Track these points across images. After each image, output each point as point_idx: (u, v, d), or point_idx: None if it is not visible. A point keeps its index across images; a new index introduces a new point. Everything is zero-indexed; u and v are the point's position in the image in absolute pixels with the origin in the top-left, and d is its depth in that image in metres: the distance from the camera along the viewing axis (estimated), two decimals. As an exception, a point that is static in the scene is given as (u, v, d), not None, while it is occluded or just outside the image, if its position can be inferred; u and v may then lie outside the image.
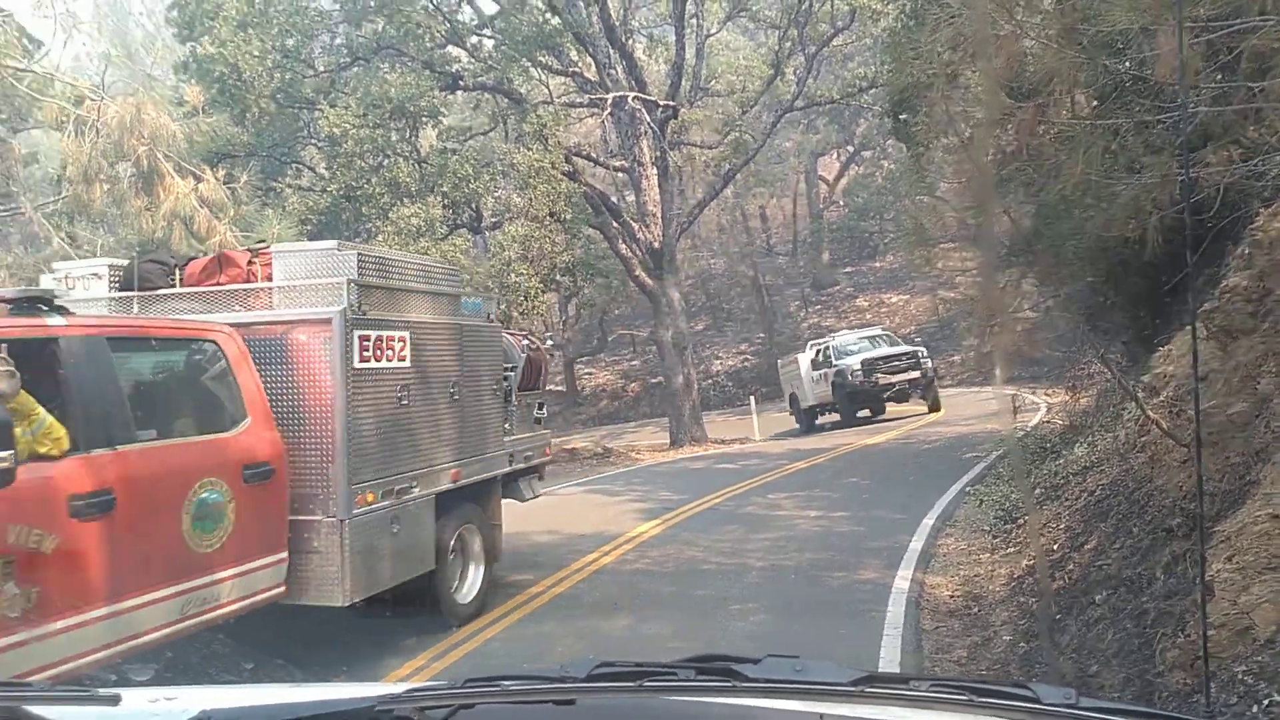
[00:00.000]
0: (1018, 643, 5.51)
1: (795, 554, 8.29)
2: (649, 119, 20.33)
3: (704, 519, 10.45)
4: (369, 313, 5.63)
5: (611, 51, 20.39)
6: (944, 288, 25.35)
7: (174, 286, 5.94)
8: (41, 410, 3.99)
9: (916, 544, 8.27)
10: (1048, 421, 14.70)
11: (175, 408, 5.18)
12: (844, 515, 10.10)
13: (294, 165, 20.43)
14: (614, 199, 22.54)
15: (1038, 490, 9.20)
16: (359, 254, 5.71)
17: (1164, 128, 5.08)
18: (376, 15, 18.66)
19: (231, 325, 5.33)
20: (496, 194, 19.98)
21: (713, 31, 23.58)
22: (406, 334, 6.01)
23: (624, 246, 21.03)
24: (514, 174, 18.12)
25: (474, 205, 19.00)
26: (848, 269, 39.15)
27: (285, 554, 5.24)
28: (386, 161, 17.54)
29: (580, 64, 20.93)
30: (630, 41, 21.96)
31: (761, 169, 32.17)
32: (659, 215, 21.03)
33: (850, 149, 38.46)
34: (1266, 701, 2.93)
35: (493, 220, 20.49)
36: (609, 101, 19.73)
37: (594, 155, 24.12)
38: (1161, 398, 5.49)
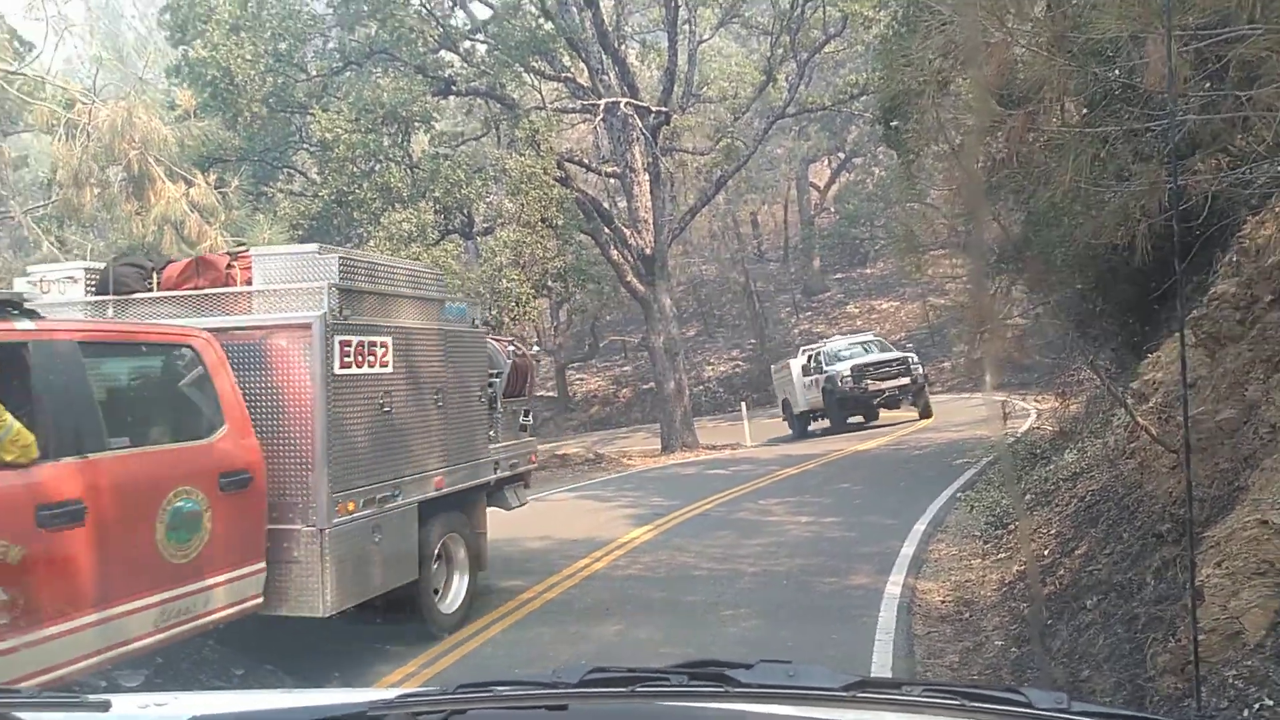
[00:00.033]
0: (1009, 648, 5.52)
1: (787, 559, 8.29)
2: (641, 125, 20.35)
3: (695, 524, 10.45)
4: (350, 318, 5.55)
5: (604, 57, 20.43)
6: (934, 294, 25.47)
7: (151, 290, 5.84)
8: (9, 417, 3.87)
9: (908, 549, 8.28)
10: (1038, 428, 14.75)
11: (150, 414, 5.08)
12: (835, 521, 10.11)
13: (286, 170, 20.40)
14: (606, 205, 22.56)
15: (1028, 496, 9.22)
16: (340, 258, 5.64)
17: (1153, 135, 5.11)
18: (369, 20, 18.66)
19: (209, 330, 5.24)
20: (488, 199, 19.97)
21: (705, 38, 23.64)
22: (389, 339, 5.92)
23: (616, 252, 21.04)
24: (506, 179, 18.11)
25: (466, 211, 18.99)
26: (838, 275, 39.23)
27: (263, 564, 5.13)
28: (378, 166, 17.52)
29: (573, 69, 20.96)
30: (623, 47, 22.01)
31: (753, 175, 32.35)
32: (651, 221, 21.05)
33: (841, 156, 38.56)
34: (1257, 705, 2.94)
35: (484, 226, 20.48)
36: (601, 107, 19.76)
37: (586, 161, 24.14)
38: (1150, 404, 5.51)
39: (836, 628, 6.16)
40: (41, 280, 5.96)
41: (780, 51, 21.81)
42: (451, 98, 20.87)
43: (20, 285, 5.96)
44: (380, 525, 5.74)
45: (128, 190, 13.96)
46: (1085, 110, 6.03)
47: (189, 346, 5.05)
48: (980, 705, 1.25)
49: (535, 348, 10.11)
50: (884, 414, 22.04)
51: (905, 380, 20.99)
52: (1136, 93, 5.00)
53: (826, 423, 22.19)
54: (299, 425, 5.30)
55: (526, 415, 8.39)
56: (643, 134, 20.47)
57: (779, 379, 24.86)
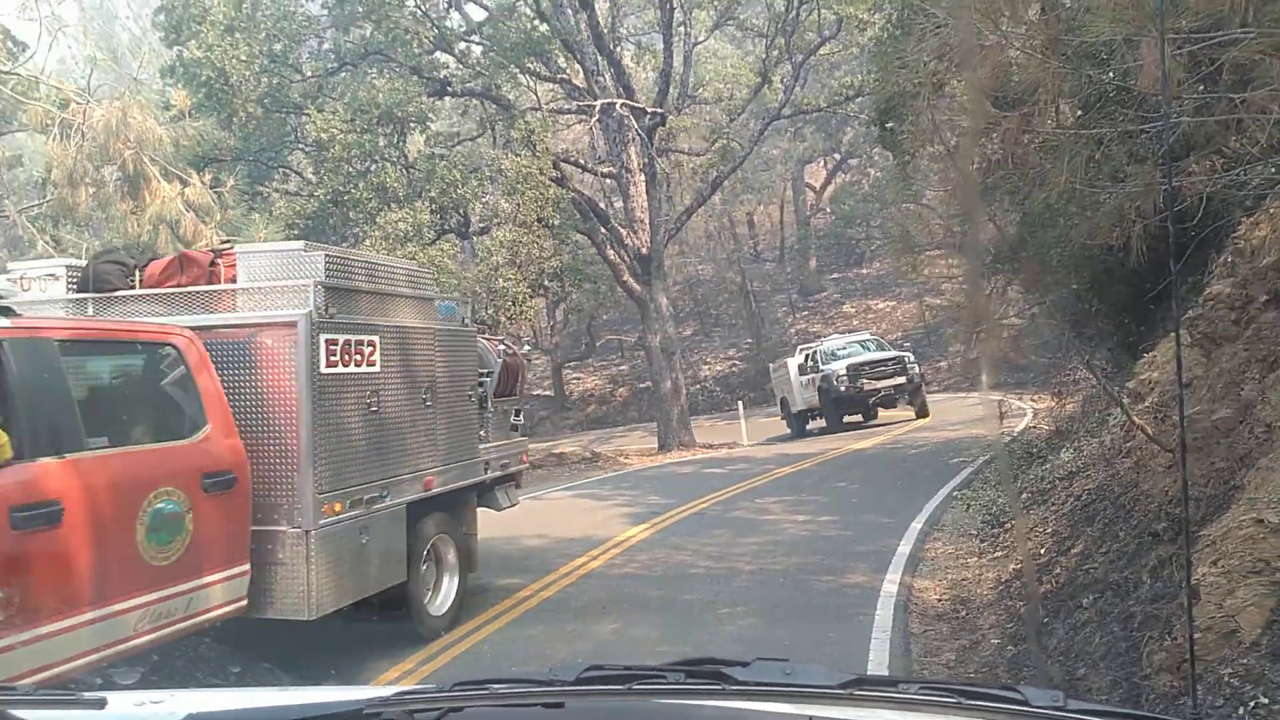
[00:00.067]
0: (1005, 646, 5.53)
1: (783, 558, 8.30)
2: (637, 126, 20.36)
3: (692, 523, 10.45)
4: (337, 316, 5.45)
5: (600, 58, 20.43)
6: (930, 294, 25.51)
7: (133, 288, 5.73)
8: None
9: (904, 548, 8.29)
10: (1034, 427, 14.77)
11: (130, 414, 4.96)
12: (832, 520, 10.12)
13: (281, 170, 20.38)
14: (602, 205, 22.56)
15: (1024, 495, 9.24)
16: (326, 255, 5.54)
17: (1147, 137, 5.12)
18: (364, 21, 18.65)
19: (192, 328, 5.14)
20: (484, 199, 19.97)
21: (700, 39, 23.66)
22: (377, 338, 5.82)
23: (612, 252, 21.04)
24: (502, 180, 18.11)
25: (462, 211, 18.98)
26: (834, 276, 39.28)
27: (247, 566, 5.04)
28: (374, 166, 17.51)
29: (568, 70, 20.97)
30: (618, 49, 22.01)
31: (749, 176, 32.36)
32: (647, 221, 21.05)
33: (837, 157, 38.61)
34: (1252, 704, 2.95)
35: (480, 226, 20.47)
36: (597, 108, 19.76)
37: (582, 161, 24.14)
38: (1146, 404, 5.53)
39: (833, 626, 6.17)
40: (22, 277, 5.85)
41: (775, 53, 21.83)
42: (447, 98, 20.86)
43: (1, 283, 5.77)
44: (368, 526, 5.66)
45: (123, 190, 13.94)
46: (1080, 112, 6.05)
47: (171, 345, 4.95)
48: (977, 703, 1.26)
49: (527, 347, 10.05)
50: (881, 413, 22.01)
51: (901, 379, 20.91)
52: (1131, 95, 5.01)
53: (824, 422, 22.16)
54: (284, 425, 5.21)
55: (518, 415, 8.29)
56: (638, 135, 20.48)
57: (777, 378, 24.81)
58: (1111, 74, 5.33)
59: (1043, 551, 6.86)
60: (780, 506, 11.26)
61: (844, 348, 22.49)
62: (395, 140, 18.03)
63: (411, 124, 18.04)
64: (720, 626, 6.31)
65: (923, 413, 21.28)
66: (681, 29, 21.94)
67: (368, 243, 16.13)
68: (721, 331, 38.10)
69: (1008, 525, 8.35)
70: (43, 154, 15.14)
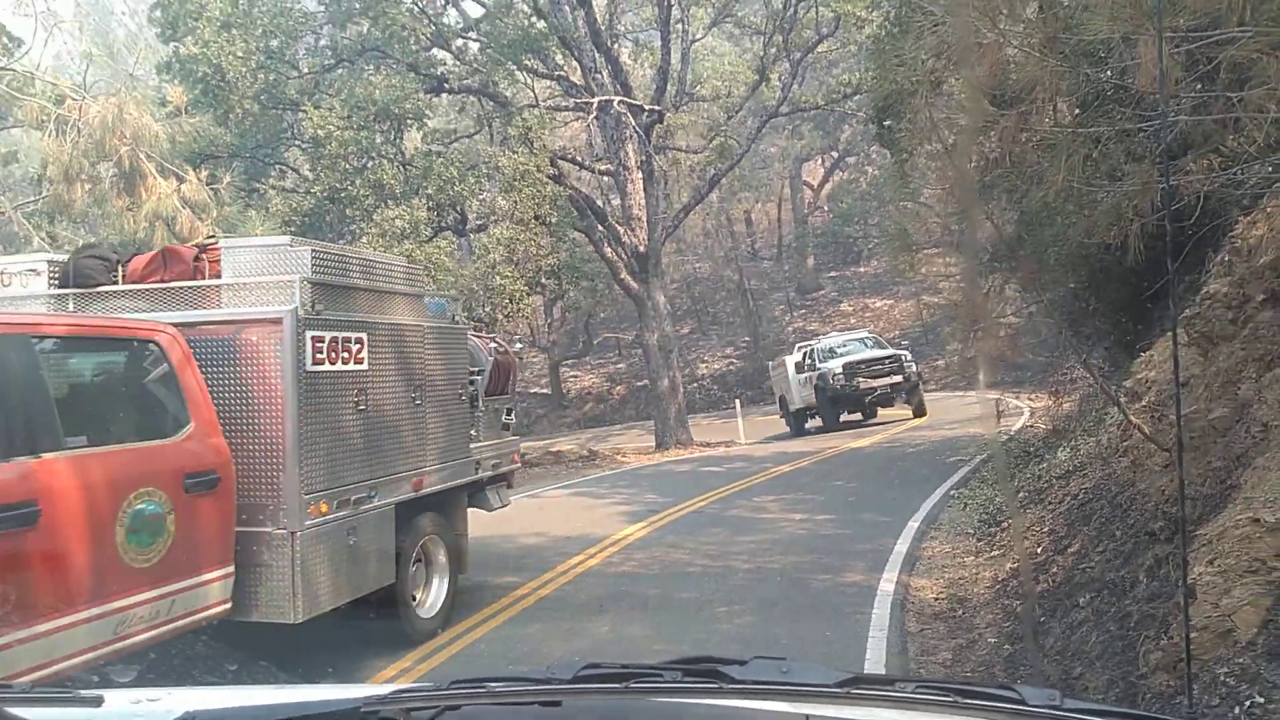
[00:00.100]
0: (1002, 645, 5.54)
1: (780, 557, 8.31)
2: (634, 123, 20.34)
3: (689, 522, 10.46)
4: (324, 312, 5.36)
5: (597, 56, 20.41)
6: (928, 293, 25.49)
7: (116, 283, 5.63)
8: None
9: (901, 547, 8.30)
10: (1031, 426, 14.79)
11: (110, 412, 4.85)
12: (829, 518, 10.13)
13: (278, 167, 20.35)
14: (599, 203, 22.55)
15: (1021, 494, 9.25)
16: (313, 251, 5.46)
17: (1145, 136, 5.12)
18: (361, 17, 18.62)
19: (175, 324, 5.03)
20: (481, 197, 19.97)
21: (698, 37, 23.65)
22: (365, 335, 5.72)
23: (609, 250, 21.03)
24: (499, 177, 18.10)
25: (459, 208, 18.96)
26: (832, 274, 39.29)
27: (231, 568, 4.94)
28: (371, 163, 17.50)
29: (566, 68, 20.94)
30: (616, 46, 21.99)
31: (746, 174, 32.36)
32: (644, 219, 21.05)
33: (834, 155, 38.62)
34: (1248, 703, 2.95)
35: (478, 223, 20.47)
36: (594, 105, 19.74)
37: (579, 159, 24.13)
38: (1143, 403, 5.53)
39: (830, 625, 6.18)
40: (2, 273, 5.76)
41: (773, 51, 21.83)
42: (444, 95, 20.83)
43: None
44: (355, 528, 5.56)
45: (119, 186, 13.93)
46: (1078, 111, 6.05)
47: (153, 342, 4.84)
48: (973, 702, 1.26)
49: (519, 344, 9.94)
50: (880, 412, 21.95)
51: (898, 378, 20.78)
52: (1128, 94, 5.02)
53: (821, 421, 22.11)
54: (269, 424, 5.10)
55: (509, 414, 8.20)
56: (636, 132, 20.46)
57: (776, 375, 24.73)
58: (1109, 72, 5.33)
59: (1039, 550, 6.87)
60: (777, 505, 11.26)
61: (842, 345, 22.41)
62: (392, 137, 18.01)
63: (408, 121, 18.02)
64: (717, 625, 6.32)
65: (920, 411, 21.19)
66: (679, 26, 21.93)
67: (364, 240, 16.13)
68: (719, 330, 38.10)
69: (1005, 524, 8.36)
70: (38, 150, 15.12)
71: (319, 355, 5.29)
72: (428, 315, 6.69)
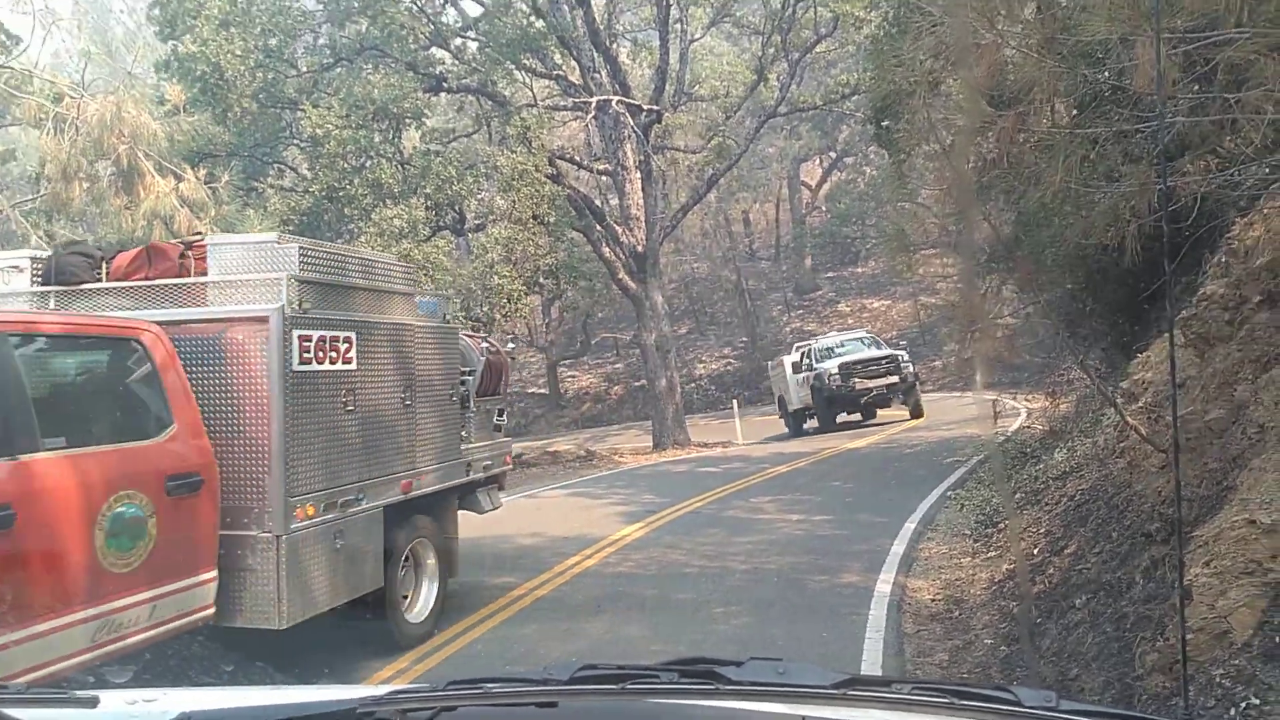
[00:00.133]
0: (998, 646, 5.54)
1: (777, 557, 8.31)
2: (632, 123, 20.35)
3: (686, 522, 10.46)
4: (311, 311, 5.26)
5: (596, 55, 20.41)
6: (925, 293, 25.54)
7: (100, 280, 5.54)
8: None
9: (898, 548, 8.31)
10: (1028, 427, 14.80)
11: (91, 412, 4.73)
12: (826, 519, 10.13)
13: (276, 165, 20.33)
14: (597, 202, 22.55)
15: (1018, 495, 9.25)
16: (301, 248, 5.38)
17: (1142, 137, 5.13)
18: (360, 16, 18.61)
19: (159, 322, 4.92)
20: (480, 196, 19.96)
21: (696, 37, 23.65)
22: (353, 334, 5.63)
23: (607, 250, 21.03)
24: (497, 176, 18.10)
25: (457, 207, 18.96)
26: (830, 274, 39.32)
27: (215, 573, 4.83)
28: (369, 163, 17.48)
29: (564, 67, 20.94)
30: (614, 45, 21.99)
31: (744, 174, 32.37)
32: (642, 219, 21.05)
33: (833, 155, 38.64)
34: (1244, 704, 2.96)
35: (476, 222, 20.46)
36: (593, 105, 19.74)
37: (577, 158, 24.13)
38: (1140, 404, 5.54)
39: (827, 626, 6.18)
40: None
41: (772, 51, 21.84)
42: (443, 94, 20.82)
43: None
44: (342, 531, 5.46)
45: (117, 185, 13.91)
46: (1075, 112, 6.05)
47: (136, 340, 4.72)
48: (969, 703, 1.26)
49: (511, 345, 9.87)
50: (879, 412, 21.90)
51: (894, 378, 20.67)
52: (1126, 95, 5.02)
53: (817, 422, 22.06)
54: (254, 425, 5.00)
55: (501, 415, 8.11)
56: (634, 132, 20.46)
57: (775, 376, 24.64)
58: (1107, 73, 5.33)
59: (1036, 552, 6.87)
60: (774, 506, 11.27)
61: (840, 345, 22.37)
62: (390, 136, 18.00)
63: (407, 120, 18.01)
64: (714, 626, 6.32)
65: (917, 412, 21.12)
66: (678, 26, 21.93)
67: (363, 239, 16.12)
68: (717, 330, 38.11)
69: (1001, 525, 8.36)
70: (36, 148, 15.10)
71: (306, 355, 5.20)
72: (419, 314, 6.62)
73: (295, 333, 5.11)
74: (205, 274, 5.38)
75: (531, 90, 21.11)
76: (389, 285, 6.28)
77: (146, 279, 5.47)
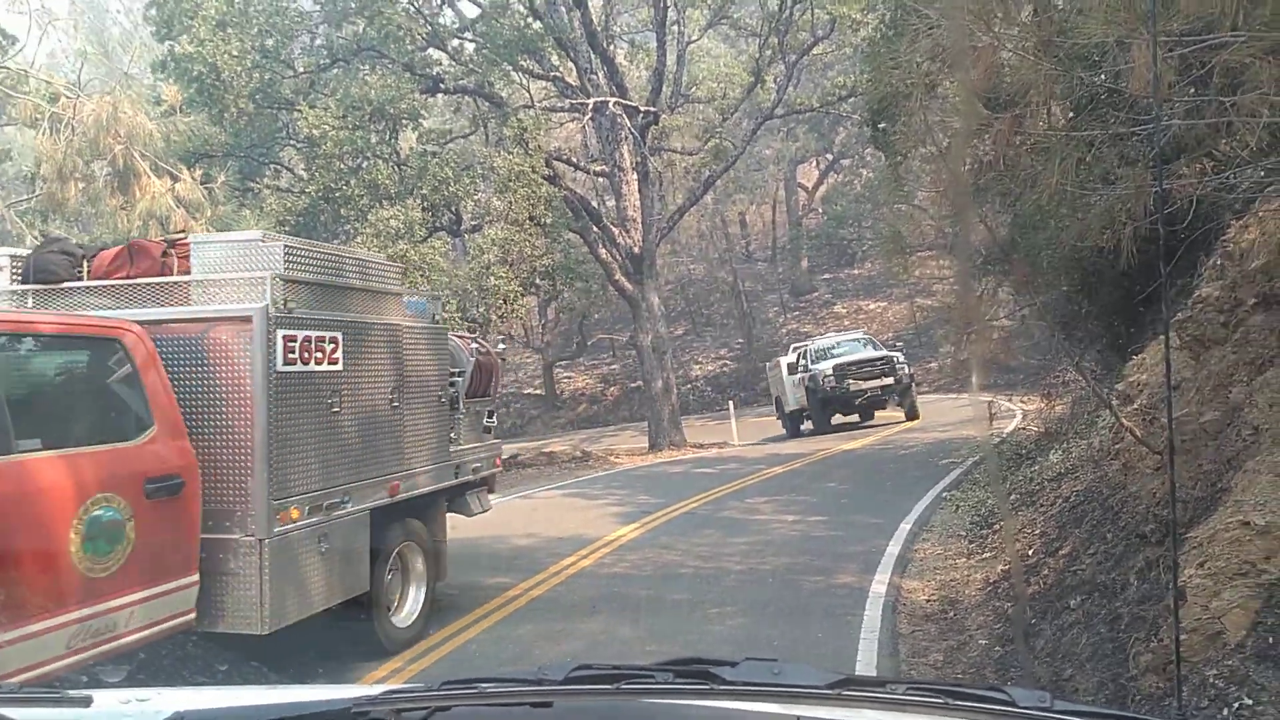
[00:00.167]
0: (993, 647, 5.55)
1: (773, 558, 8.31)
2: (629, 124, 20.36)
3: (682, 523, 10.46)
4: (296, 311, 5.17)
5: (593, 56, 20.42)
6: (921, 295, 25.58)
7: (80, 279, 5.45)
8: None
9: (893, 549, 8.32)
10: (1023, 428, 14.81)
11: (68, 413, 4.62)
12: (821, 520, 10.14)
13: (272, 166, 20.31)
14: (594, 204, 22.57)
15: (1013, 496, 9.26)
16: (286, 246, 5.30)
17: (1138, 140, 5.14)
18: (357, 17, 18.60)
19: (140, 322, 4.82)
20: (476, 197, 19.93)
21: (694, 38, 23.66)
22: (340, 335, 5.53)
23: (604, 251, 21.03)
24: (494, 177, 18.09)
25: (453, 208, 18.94)
26: (826, 276, 39.34)
27: (196, 577, 4.74)
28: (366, 163, 17.47)
29: (561, 69, 20.95)
30: (611, 47, 22.00)
31: (741, 176, 32.39)
32: (639, 220, 21.05)
33: (829, 157, 38.67)
34: (1237, 705, 2.96)
35: (472, 223, 20.45)
36: (590, 106, 19.75)
37: (574, 160, 24.13)
38: (1135, 406, 5.55)
39: (822, 626, 6.18)
40: None
41: (769, 53, 21.86)
42: (439, 95, 20.82)
43: None
44: (327, 534, 5.37)
45: (113, 185, 13.89)
46: (1071, 114, 6.06)
47: (116, 340, 4.62)
48: (964, 704, 1.26)
49: (501, 345, 9.77)
50: (877, 414, 21.82)
51: (889, 380, 20.51)
52: (1122, 97, 5.03)
53: (812, 424, 21.99)
54: (237, 426, 4.91)
55: (491, 417, 8.02)
56: (631, 133, 20.47)
57: (772, 377, 24.52)
58: (1103, 76, 5.34)
59: (1031, 553, 6.88)
60: (770, 506, 11.27)
61: (835, 346, 22.29)
62: (387, 137, 17.99)
63: (404, 121, 18.00)
64: (709, 626, 6.32)
65: (912, 414, 20.97)
66: (675, 27, 21.94)
67: (359, 240, 16.10)
68: (713, 331, 38.12)
69: (996, 526, 8.37)
70: (32, 148, 15.08)
71: (291, 355, 5.11)
72: (407, 315, 6.53)
73: (280, 333, 5.03)
74: (188, 273, 5.31)
75: (528, 91, 21.11)
76: (377, 285, 6.20)
77: (128, 278, 5.38)
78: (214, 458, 4.91)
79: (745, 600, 6.95)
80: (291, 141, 19.71)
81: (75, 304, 5.31)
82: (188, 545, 4.73)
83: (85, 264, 5.54)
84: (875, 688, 1.34)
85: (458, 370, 7.33)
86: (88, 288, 5.40)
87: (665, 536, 9.64)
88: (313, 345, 5.30)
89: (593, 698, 1.33)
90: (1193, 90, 4.68)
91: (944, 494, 10.85)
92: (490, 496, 8.09)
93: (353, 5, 18.43)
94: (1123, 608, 4.45)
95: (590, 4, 20.24)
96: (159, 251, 5.48)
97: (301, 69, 19.15)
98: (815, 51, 23.23)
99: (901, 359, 21.56)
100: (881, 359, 21.00)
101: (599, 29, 20.71)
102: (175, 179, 14.21)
